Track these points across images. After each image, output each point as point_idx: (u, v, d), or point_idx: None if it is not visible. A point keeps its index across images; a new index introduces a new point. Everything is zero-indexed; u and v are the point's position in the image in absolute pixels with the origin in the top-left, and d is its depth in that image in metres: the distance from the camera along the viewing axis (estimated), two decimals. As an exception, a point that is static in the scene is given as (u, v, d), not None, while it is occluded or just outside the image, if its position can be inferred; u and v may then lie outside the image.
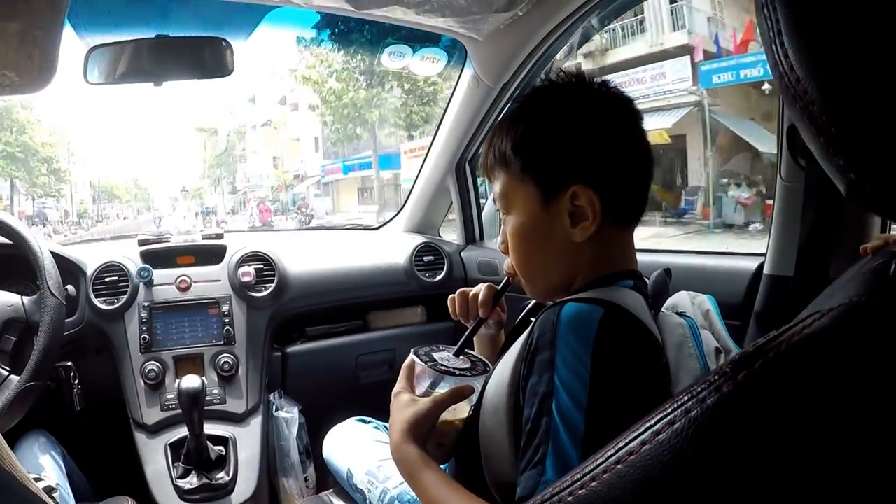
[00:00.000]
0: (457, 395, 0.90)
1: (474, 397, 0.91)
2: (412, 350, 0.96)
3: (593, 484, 0.45)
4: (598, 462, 0.46)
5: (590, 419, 0.68)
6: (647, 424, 0.44)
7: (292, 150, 26.35)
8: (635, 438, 0.44)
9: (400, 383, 0.95)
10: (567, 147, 0.83)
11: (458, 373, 0.91)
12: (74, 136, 25.71)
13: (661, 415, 0.43)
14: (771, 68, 0.41)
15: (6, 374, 1.39)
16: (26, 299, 1.48)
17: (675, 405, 0.42)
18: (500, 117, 1.02)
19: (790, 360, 0.39)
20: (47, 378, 1.42)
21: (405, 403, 0.91)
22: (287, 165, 26.96)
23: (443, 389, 0.91)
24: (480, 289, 1.07)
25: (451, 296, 1.11)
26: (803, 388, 0.39)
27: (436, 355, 0.95)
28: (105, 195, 29.92)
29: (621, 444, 0.45)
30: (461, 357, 0.97)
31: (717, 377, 0.41)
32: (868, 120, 0.37)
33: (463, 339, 1.00)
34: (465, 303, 1.08)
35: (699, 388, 0.41)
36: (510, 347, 0.86)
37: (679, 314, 0.90)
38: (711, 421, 0.40)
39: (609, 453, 0.45)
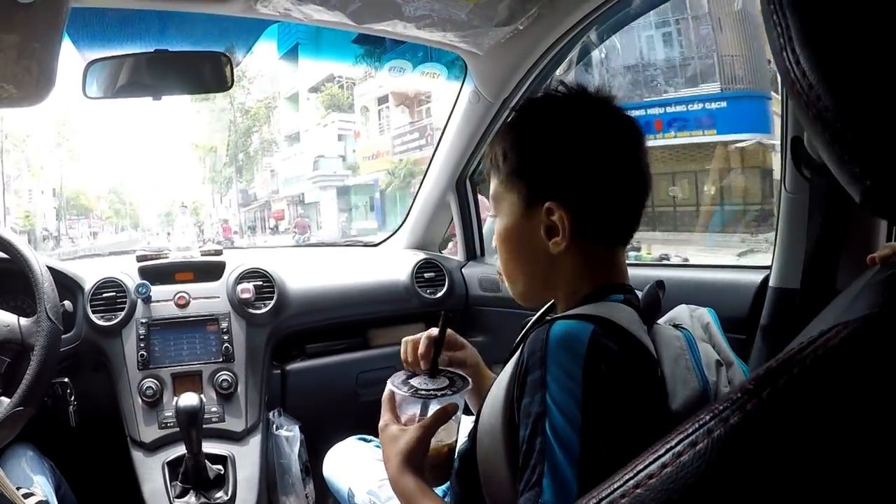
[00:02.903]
0: (442, 416, 0.89)
1: (460, 413, 0.91)
2: (388, 381, 0.96)
3: None
4: (615, 486, 0.43)
5: (585, 438, 0.68)
6: (668, 446, 0.42)
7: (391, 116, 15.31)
8: (655, 461, 0.42)
9: (384, 416, 0.93)
10: (549, 163, 0.84)
11: (439, 394, 0.91)
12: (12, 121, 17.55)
13: (681, 435, 0.41)
14: (782, 76, 0.40)
15: (-2, 395, 1.37)
16: (23, 320, 1.46)
17: (697, 425, 0.41)
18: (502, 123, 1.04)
19: (815, 375, 0.38)
20: (38, 403, 1.40)
21: (395, 435, 0.89)
22: (378, 146, 16.47)
23: (428, 412, 0.91)
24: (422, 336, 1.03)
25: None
26: (829, 403, 0.38)
27: (413, 381, 0.95)
28: (74, 208, 22.14)
29: (640, 467, 0.43)
30: (439, 377, 0.96)
31: (739, 395, 0.39)
32: (884, 126, 0.36)
33: (430, 363, 0.98)
34: (408, 351, 1.04)
35: (721, 407, 0.40)
36: (505, 367, 0.85)
37: (676, 326, 0.89)
38: (736, 440, 0.39)
39: (627, 477, 0.43)
